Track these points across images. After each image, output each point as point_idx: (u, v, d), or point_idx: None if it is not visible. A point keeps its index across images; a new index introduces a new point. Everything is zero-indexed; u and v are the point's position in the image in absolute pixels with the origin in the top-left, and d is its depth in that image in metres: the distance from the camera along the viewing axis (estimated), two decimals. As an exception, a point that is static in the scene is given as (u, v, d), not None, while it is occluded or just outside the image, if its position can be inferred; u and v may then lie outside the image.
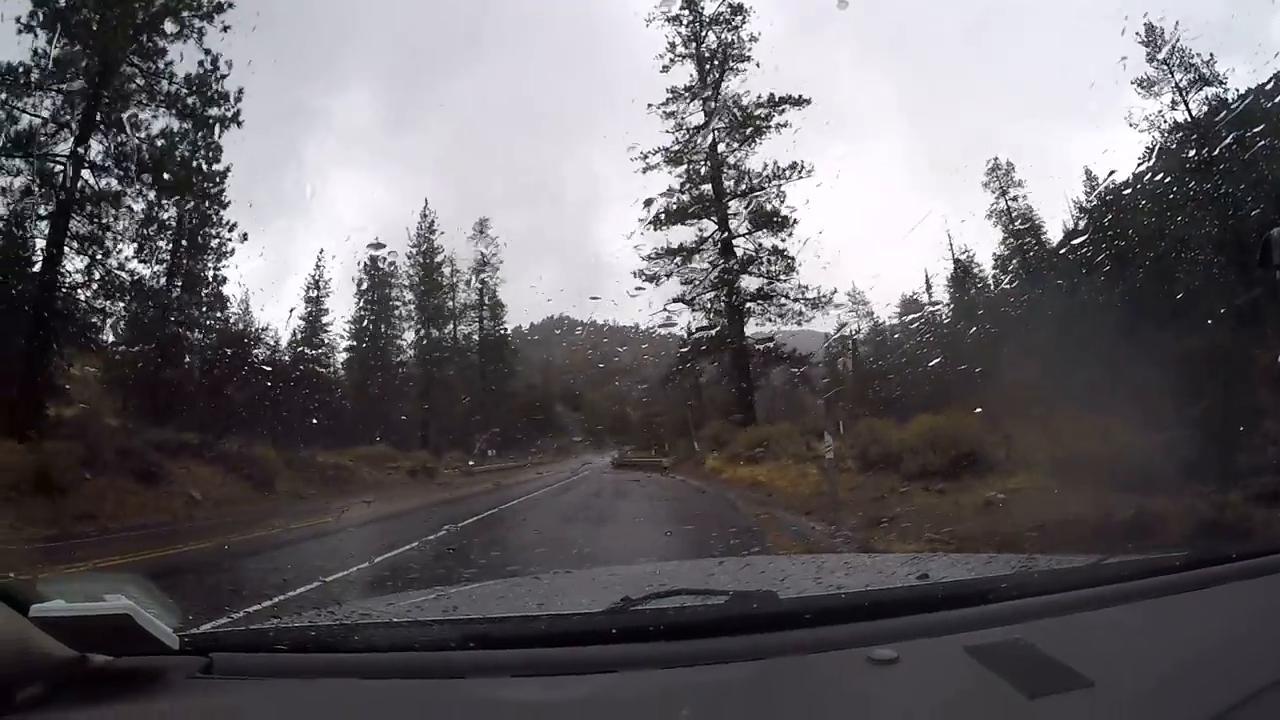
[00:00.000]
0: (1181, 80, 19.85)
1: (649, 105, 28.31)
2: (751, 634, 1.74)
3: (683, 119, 28.31)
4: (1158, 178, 17.59)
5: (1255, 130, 15.73)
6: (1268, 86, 16.90)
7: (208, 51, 21.55)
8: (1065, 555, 2.73)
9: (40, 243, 19.40)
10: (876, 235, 44.53)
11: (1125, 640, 1.71)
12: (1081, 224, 18.04)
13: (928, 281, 26.47)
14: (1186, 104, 19.76)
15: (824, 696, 1.58)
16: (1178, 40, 19.84)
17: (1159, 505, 7.88)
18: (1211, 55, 19.89)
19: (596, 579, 3.06)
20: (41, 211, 19.45)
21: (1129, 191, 17.57)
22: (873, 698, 1.52)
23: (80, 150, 19.67)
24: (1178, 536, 7.06)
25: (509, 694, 1.57)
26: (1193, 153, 17.79)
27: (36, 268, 19.15)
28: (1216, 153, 16.43)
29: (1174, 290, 13.17)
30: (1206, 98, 19.82)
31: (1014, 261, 22.56)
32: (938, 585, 2.18)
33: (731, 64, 27.74)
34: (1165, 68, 19.97)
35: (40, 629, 1.51)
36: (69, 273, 19.82)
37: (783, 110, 27.11)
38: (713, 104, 27.77)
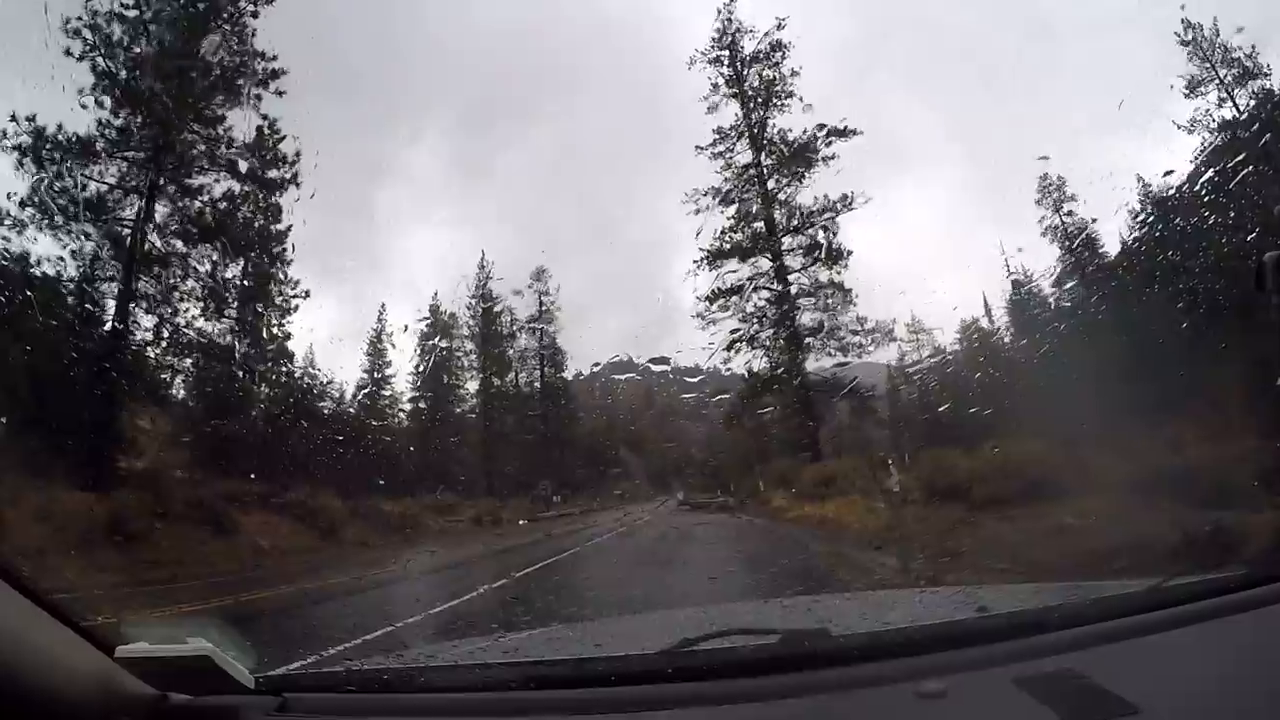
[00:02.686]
0: (1226, 76, 19.32)
1: (697, 147, 28.62)
2: (802, 671, 1.76)
3: (731, 158, 28.51)
4: (1210, 177, 17.01)
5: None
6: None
7: (265, 116, 22.65)
8: (1124, 580, 2.65)
9: (110, 303, 20.34)
10: (932, 263, 43.86)
11: (1175, 664, 1.69)
12: (1138, 233, 17.52)
13: (986, 304, 25.94)
14: (1234, 99, 19.21)
15: None
16: (1217, 35, 19.38)
17: (1237, 519, 7.44)
18: (1254, 48, 19.38)
19: (653, 622, 3.18)
20: (110, 273, 20.41)
21: (1179, 194, 17.02)
22: None
23: (145, 214, 20.67)
24: (1258, 551, 6.64)
25: None
26: (1243, 151, 17.23)
27: (106, 326, 20.06)
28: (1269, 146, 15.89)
29: (1238, 294, 12.57)
30: (1253, 91, 19.30)
31: (1073, 277, 21.92)
32: (987, 617, 2.16)
33: (775, 100, 27.91)
34: (1209, 65, 19.47)
35: (124, 669, 1.61)
36: (138, 330, 20.81)
37: (830, 142, 27.12)
38: (759, 141, 27.89)
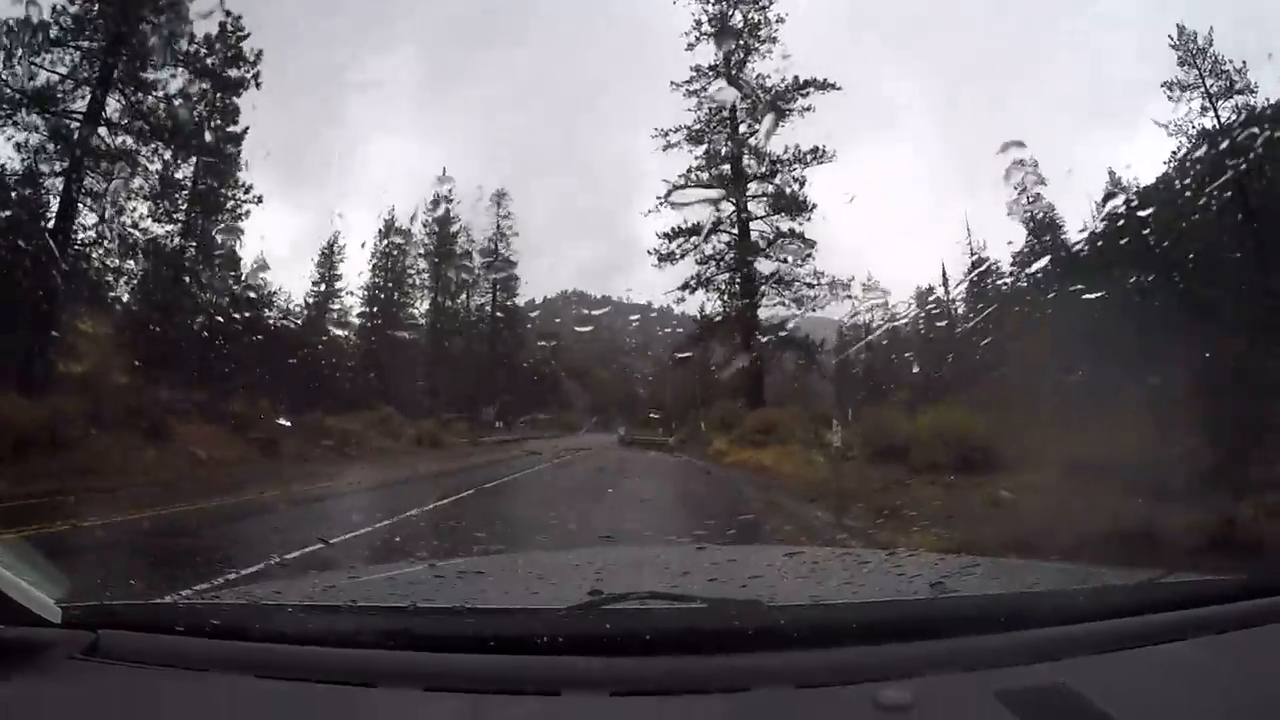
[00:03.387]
0: (1213, 86, 19.54)
1: (672, 83, 28.05)
2: (730, 654, 1.47)
3: (705, 98, 28.02)
4: (1183, 182, 17.37)
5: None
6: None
7: (228, 12, 21.60)
8: (1105, 568, 2.52)
9: (54, 199, 19.44)
10: (895, 226, 44.13)
11: (1183, 689, 1.48)
12: (1101, 226, 17.81)
13: (944, 274, 26.28)
14: (1215, 109, 19.46)
15: None
16: (1210, 45, 19.54)
17: (1169, 515, 7.76)
18: (1244, 63, 19.60)
19: (563, 562, 2.80)
20: (55, 167, 19.41)
21: (1148, 195, 17.37)
22: None
23: (96, 107, 19.59)
24: (1186, 549, 6.94)
25: (424, 713, 1.37)
26: (1213, 160, 17.60)
27: (50, 224, 19.13)
28: (1241, 161, 16.18)
29: (1193, 297, 12.97)
30: (1236, 105, 19.55)
31: (1032, 258, 22.28)
32: (959, 602, 1.91)
33: (757, 44, 27.41)
34: (1197, 71, 19.66)
35: None
36: (81, 229, 19.93)
37: (807, 93, 26.83)
38: (736, 83, 27.47)
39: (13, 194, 18.64)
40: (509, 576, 2.61)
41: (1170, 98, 20.00)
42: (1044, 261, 21.62)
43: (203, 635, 1.60)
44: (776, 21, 27.32)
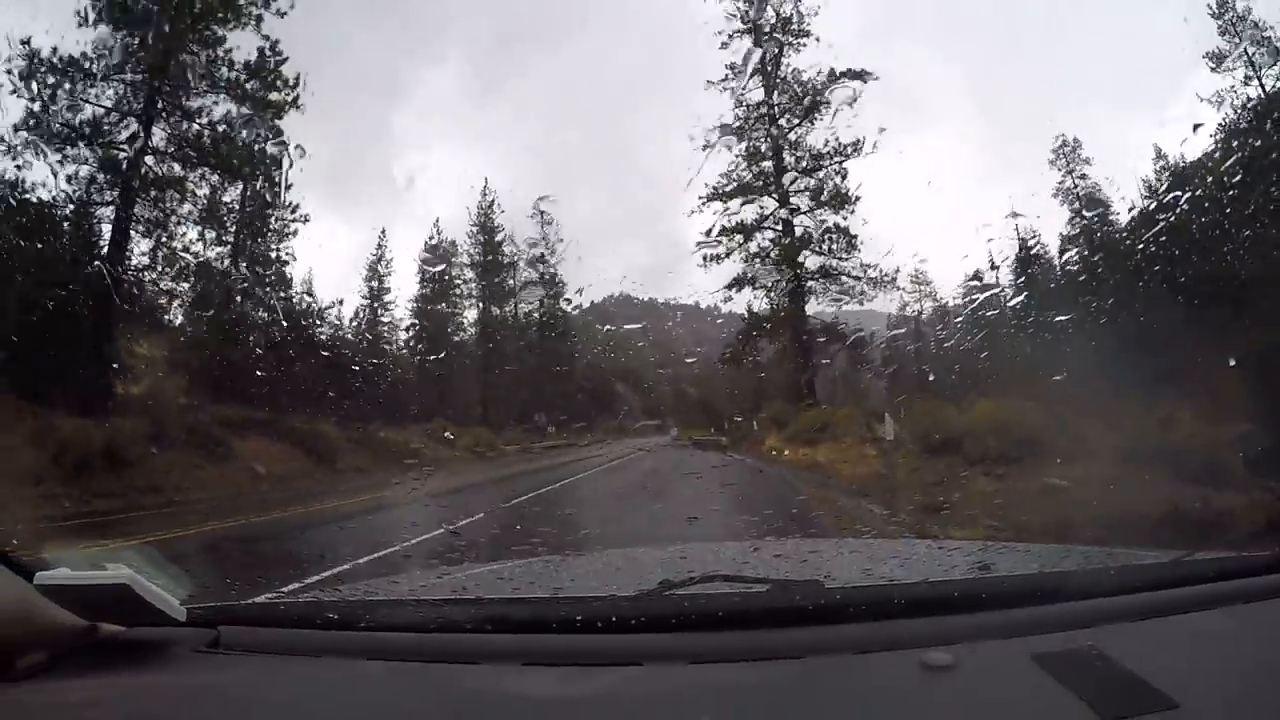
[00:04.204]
0: (1256, 55, 18.87)
1: (708, 82, 28.02)
2: (792, 628, 1.62)
3: (742, 95, 27.94)
4: (1229, 158, 16.77)
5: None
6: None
7: (266, 37, 22.05)
8: (1140, 549, 2.57)
9: (106, 227, 20.18)
10: (940, 215, 43.38)
11: (1212, 653, 1.54)
12: (1150, 205, 17.32)
13: (992, 263, 25.82)
14: (1260, 79, 18.80)
15: (869, 705, 1.44)
16: (1250, 12, 18.87)
17: (1224, 499, 7.58)
18: None
19: (632, 560, 2.94)
20: (107, 197, 20.18)
21: (1199, 170, 16.80)
22: (926, 710, 1.38)
23: (143, 137, 20.31)
24: (1244, 533, 6.76)
25: (519, 685, 1.48)
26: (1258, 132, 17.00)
27: (103, 251, 19.88)
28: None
29: (1245, 278, 12.53)
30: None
31: (1080, 240, 21.76)
32: (1000, 579, 2.03)
33: (791, 38, 27.24)
34: (1237, 40, 18.99)
35: (46, 597, 1.51)
36: (135, 255, 20.66)
37: (844, 85, 26.56)
38: (772, 79, 27.35)
39: (66, 223, 19.36)
40: (588, 570, 2.83)
41: (1212, 69, 19.45)
42: (1090, 243, 21.09)
43: (315, 627, 1.76)
44: (810, 14, 27.18)
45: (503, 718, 1.41)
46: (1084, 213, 22.38)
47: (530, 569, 2.83)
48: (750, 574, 2.02)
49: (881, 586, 2.02)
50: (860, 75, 26.46)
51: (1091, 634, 1.52)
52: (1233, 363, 9.90)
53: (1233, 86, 19.20)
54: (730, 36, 27.80)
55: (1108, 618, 1.62)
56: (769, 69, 27.46)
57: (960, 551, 2.75)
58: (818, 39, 26.94)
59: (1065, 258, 22.71)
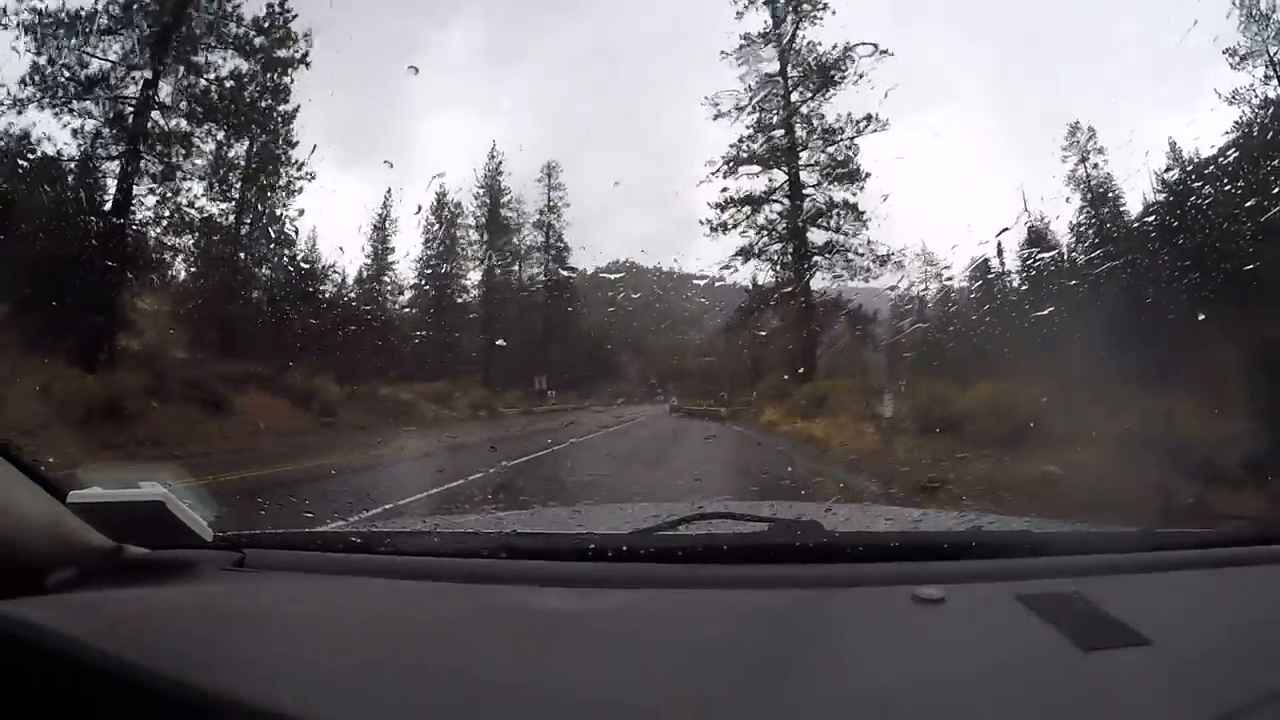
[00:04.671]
0: (1277, 54, 18.59)
1: (722, 52, 27.69)
2: (792, 564, 1.70)
3: (755, 67, 27.63)
4: (1238, 156, 16.62)
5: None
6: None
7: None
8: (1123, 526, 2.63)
9: (111, 182, 20.13)
10: (949, 196, 42.98)
11: (1184, 604, 1.63)
12: (1162, 196, 17.19)
13: (999, 247, 25.69)
14: None
15: (864, 630, 1.51)
16: (1275, 9, 18.55)
17: (1221, 494, 7.61)
18: None
19: (637, 510, 2.97)
20: (112, 151, 20.11)
21: (1210, 167, 16.66)
22: (917, 636, 1.45)
23: (149, 92, 20.27)
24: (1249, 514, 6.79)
25: (536, 602, 1.55)
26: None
27: (108, 205, 19.86)
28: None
29: (1251, 274, 12.46)
30: None
31: (1090, 230, 21.62)
32: (991, 533, 2.11)
33: (808, 9, 26.87)
34: (1260, 38, 18.72)
35: (78, 516, 1.53)
36: (139, 209, 20.57)
37: (858, 60, 26.30)
38: (786, 51, 27.02)
39: (71, 177, 19.32)
40: (598, 516, 2.95)
41: (1232, 65, 19.19)
42: (1100, 232, 20.98)
43: (336, 551, 1.84)
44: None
45: (520, 627, 1.47)
46: (1094, 204, 22.21)
47: (542, 514, 2.98)
48: (752, 514, 2.09)
49: (879, 532, 2.14)
50: (875, 50, 26.18)
51: (1073, 582, 1.60)
52: (1235, 357, 9.89)
53: (1252, 85, 19.01)
54: (745, 6, 27.45)
55: (1088, 571, 1.70)
56: (784, 41, 27.14)
57: (949, 514, 2.95)
58: (834, 12, 26.61)
59: (1074, 246, 22.61)
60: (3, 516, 1.38)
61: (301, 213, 23.69)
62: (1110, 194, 22.17)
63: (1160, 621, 1.45)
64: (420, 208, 31.19)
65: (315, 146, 23.05)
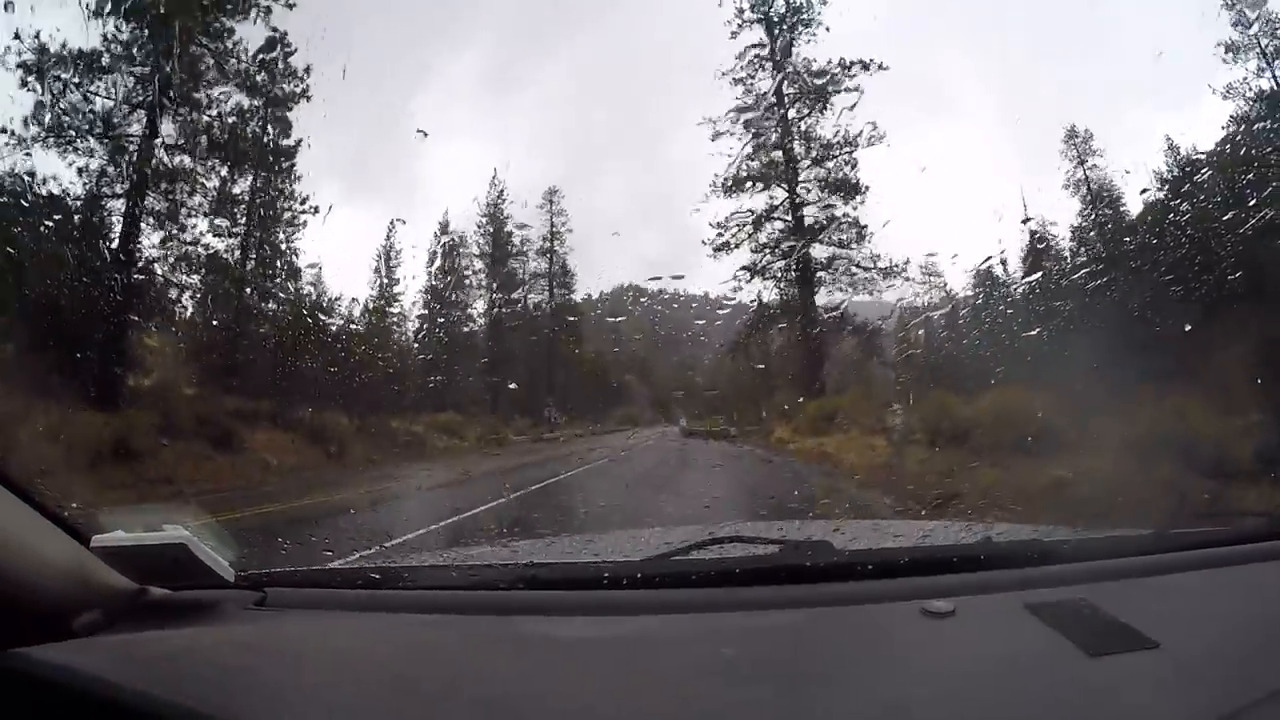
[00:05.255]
0: (1269, 46, 18.60)
1: (719, 73, 27.90)
2: (804, 584, 1.72)
3: (751, 85, 27.82)
4: (1238, 151, 16.61)
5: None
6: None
7: (274, 29, 22.05)
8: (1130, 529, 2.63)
9: (117, 220, 20.15)
10: (950, 206, 42.92)
11: (1192, 604, 1.65)
12: (1161, 195, 17.16)
13: (1002, 255, 25.66)
14: (1273, 70, 18.55)
15: (875, 645, 1.55)
16: (1265, 3, 18.57)
17: (1234, 491, 7.59)
18: None
19: (650, 536, 3.05)
20: (117, 190, 20.16)
21: (1207, 165, 16.65)
22: (928, 649, 1.49)
23: (152, 130, 20.38)
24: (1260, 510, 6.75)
25: (555, 630, 1.57)
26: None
27: (114, 244, 19.87)
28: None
29: (1258, 271, 12.43)
30: None
31: (1091, 233, 21.60)
32: (998, 544, 2.15)
33: (802, 27, 27.09)
34: (1251, 32, 18.72)
35: (101, 559, 1.55)
36: (145, 247, 20.61)
37: (854, 74, 26.46)
38: (782, 68, 27.21)
39: (77, 216, 19.40)
40: (612, 544, 2.92)
41: (1225, 61, 19.22)
42: (1101, 234, 20.96)
43: (356, 588, 1.85)
44: (820, 2, 27.00)
45: (541, 656, 1.49)
46: (1094, 205, 22.21)
47: (557, 544, 3.00)
48: (763, 537, 2.13)
49: (888, 549, 2.16)
50: (871, 66, 26.36)
51: (1081, 589, 1.63)
52: (1244, 352, 9.87)
53: (1245, 78, 19.02)
54: (740, 25, 27.67)
55: (1094, 577, 1.73)
56: (780, 58, 27.35)
57: (958, 526, 2.94)
58: (828, 29, 26.80)
59: (1076, 249, 22.58)
60: (28, 561, 1.39)
61: (302, 251, 23.86)
62: (1109, 194, 22.19)
63: (1168, 623, 1.47)
64: (433, 246, 31.20)
65: (300, 177, 22.98)
